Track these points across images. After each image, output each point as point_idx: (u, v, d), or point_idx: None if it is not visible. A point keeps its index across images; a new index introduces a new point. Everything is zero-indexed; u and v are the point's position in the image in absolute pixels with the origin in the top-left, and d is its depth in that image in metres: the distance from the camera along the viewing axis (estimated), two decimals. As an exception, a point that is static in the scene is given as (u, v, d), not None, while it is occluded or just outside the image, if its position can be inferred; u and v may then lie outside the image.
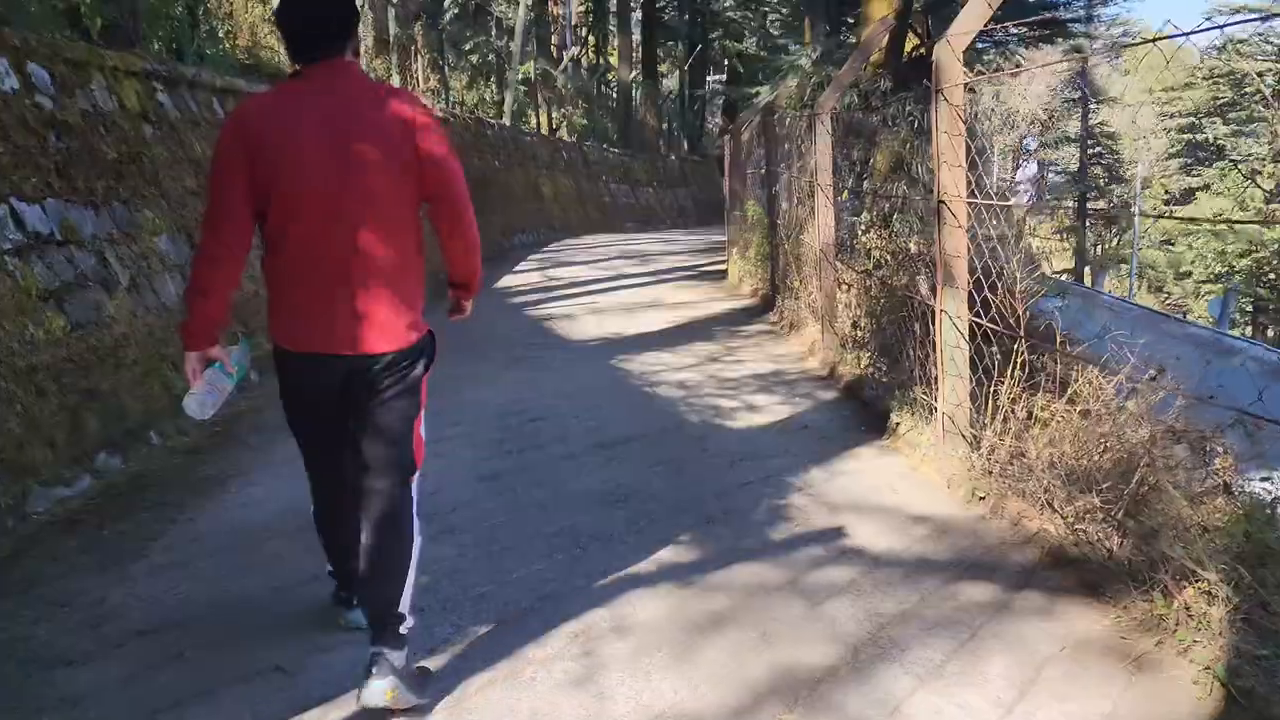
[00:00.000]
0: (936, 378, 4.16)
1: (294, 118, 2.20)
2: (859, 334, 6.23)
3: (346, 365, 2.29)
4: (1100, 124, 41.49)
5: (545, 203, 20.17)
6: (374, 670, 2.25)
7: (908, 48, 9.12)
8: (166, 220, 5.69)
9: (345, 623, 2.74)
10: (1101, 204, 41.70)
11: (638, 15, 31.29)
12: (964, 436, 3.90)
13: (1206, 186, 41.73)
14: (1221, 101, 37.15)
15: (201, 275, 2.28)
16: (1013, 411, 3.72)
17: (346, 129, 2.20)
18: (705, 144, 41.71)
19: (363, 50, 12.95)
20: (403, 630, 2.37)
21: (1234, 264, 34.92)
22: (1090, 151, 44.08)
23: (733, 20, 38.76)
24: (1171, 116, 41.59)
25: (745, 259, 10.60)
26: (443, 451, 4.51)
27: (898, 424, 4.66)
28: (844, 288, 6.62)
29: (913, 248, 5.90)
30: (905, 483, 3.98)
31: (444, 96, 16.87)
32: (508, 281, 11.35)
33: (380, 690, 2.24)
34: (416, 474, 2.50)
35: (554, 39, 32.67)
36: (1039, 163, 57.15)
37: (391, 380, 2.32)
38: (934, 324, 4.16)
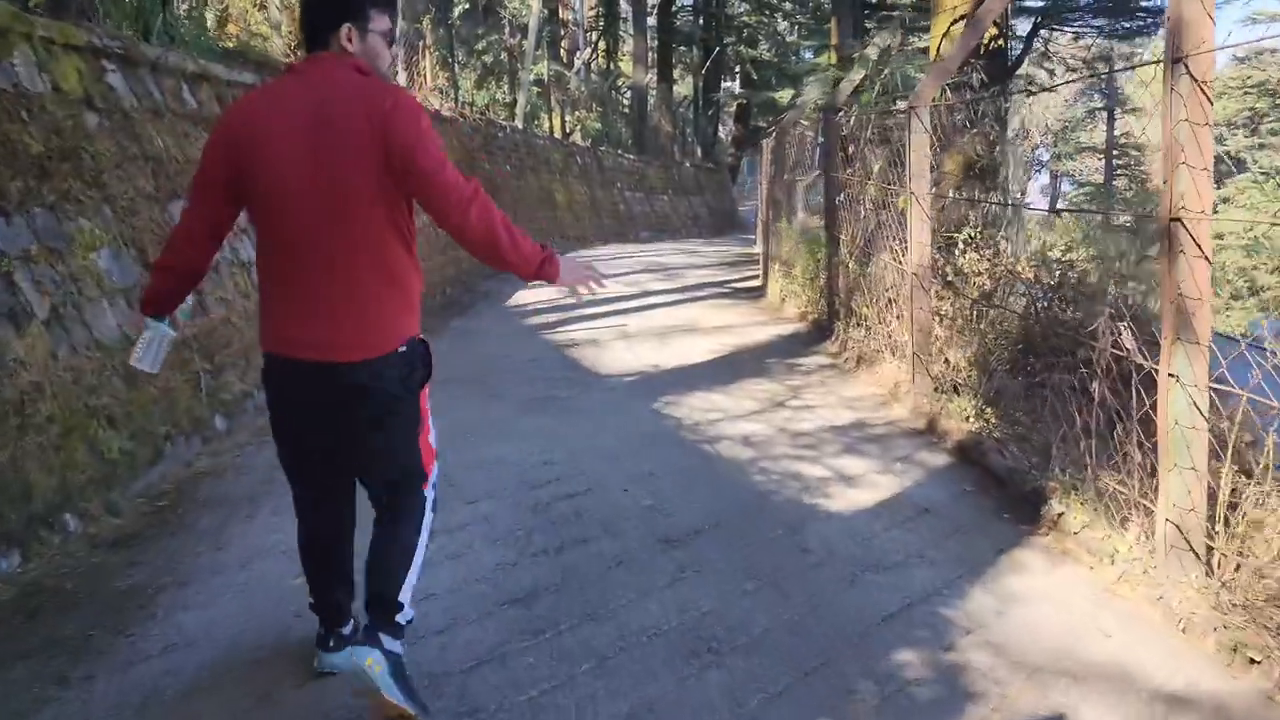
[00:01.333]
0: (1141, 462, 3.00)
1: (270, 113, 2.17)
2: (967, 377, 5.06)
3: (330, 373, 2.18)
4: (1125, 134, 40.42)
5: (558, 211, 19.04)
6: (361, 639, 2.20)
7: (985, 39, 7.99)
8: (110, 231, 4.55)
9: (319, 665, 2.53)
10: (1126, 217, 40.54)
11: (652, 19, 30.21)
12: (1198, 556, 2.74)
13: (1226, 200, 40.69)
14: (1255, 113, 36.01)
15: (164, 252, 2.36)
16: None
17: (319, 124, 2.12)
18: (719, 151, 40.70)
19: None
20: (400, 619, 2.30)
21: (1263, 282, 33.80)
22: (1115, 163, 43.04)
23: (747, 25, 37.89)
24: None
25: (790, 278, 9.45)
26: (457, 550, 3.36)
27: (1060, 514, 3.50)
28: (943, 320, 5.46)
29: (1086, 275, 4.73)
30: (1112, 617, 2.81)
31: (453, 95, 15.78)
32: (521, 298, 10.21)
33: (363, 655, 2.14)
34: (430, 479, 2.42)
35: (564, 43, 31.65)
36: (1052, 173, 56.25)
37: (382, 393, 2.21)
38: (1134, 387, 3.00)
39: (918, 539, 3.50)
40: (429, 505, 2.41)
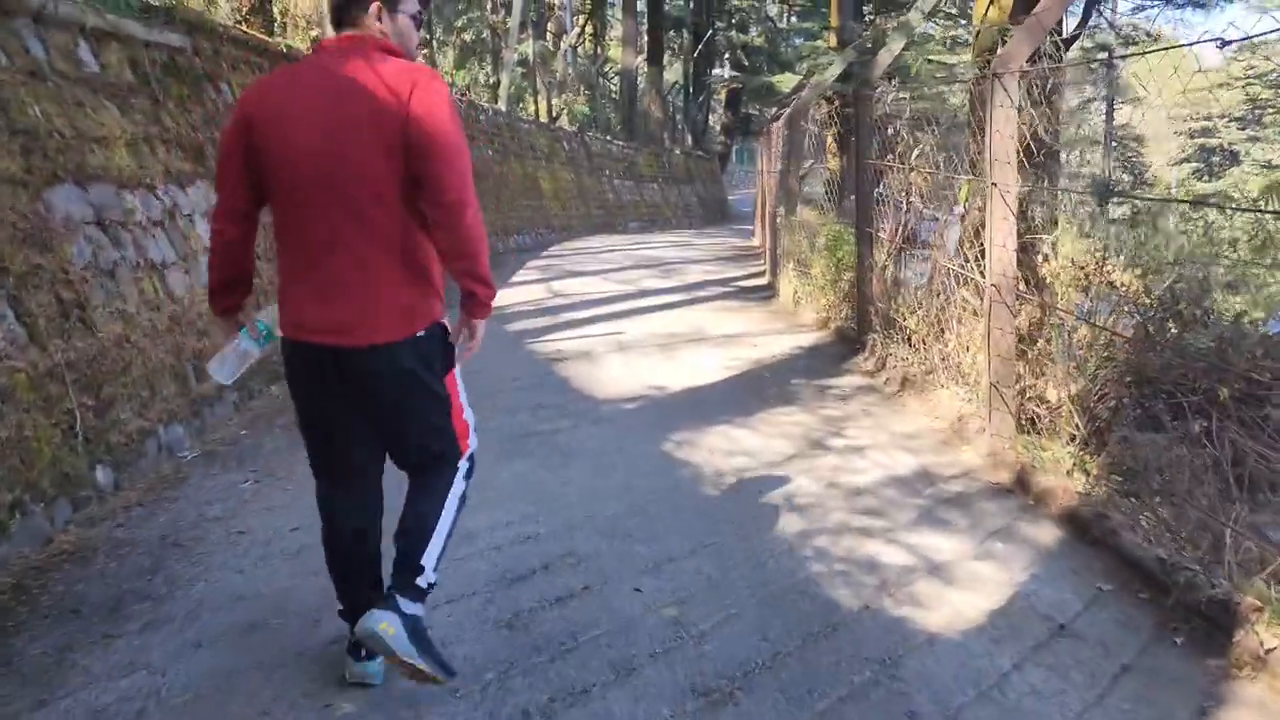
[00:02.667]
0: None
1: (292, 94, 2.14)
2: (1067, 418, 3.99)
3: (347, 357, 2.12)
4: (1124, 125, 39.53)
5: (544, 199, 17.87)
6: (378, 605, 2.18)
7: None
8: (-54, 226, 3.40)
9: (351, 675, 2.39)
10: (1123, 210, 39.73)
11: (641, 4, 28.98)
12: None
13: (1220, 193, 39.91)
14: (1259, 104, 35.17)
15: (212, 249, 2.32)
16: None
17: (341, 105, 2.07)
18: (709, 139, 39.53)
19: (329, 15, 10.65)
20: (420, 583, 2.26)
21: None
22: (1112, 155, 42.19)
23: (739, 10, 36.75)
24: (1184, 120, 39.83)
25: (807, 278, 8.35)
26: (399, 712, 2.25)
27: (1270, 650, 2.43)
28: (1030, 342, 4.38)
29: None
30: None
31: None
32: (504, 297, 9.07)
33: (377, 620, 2.14)
34: (465, 454, 2.39)
35: (550, 26, 30.41)
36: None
37: (401, 377, 2.16)
38: None
39: (1066, 683, 2.42)
40: (462, 475, 2.40)
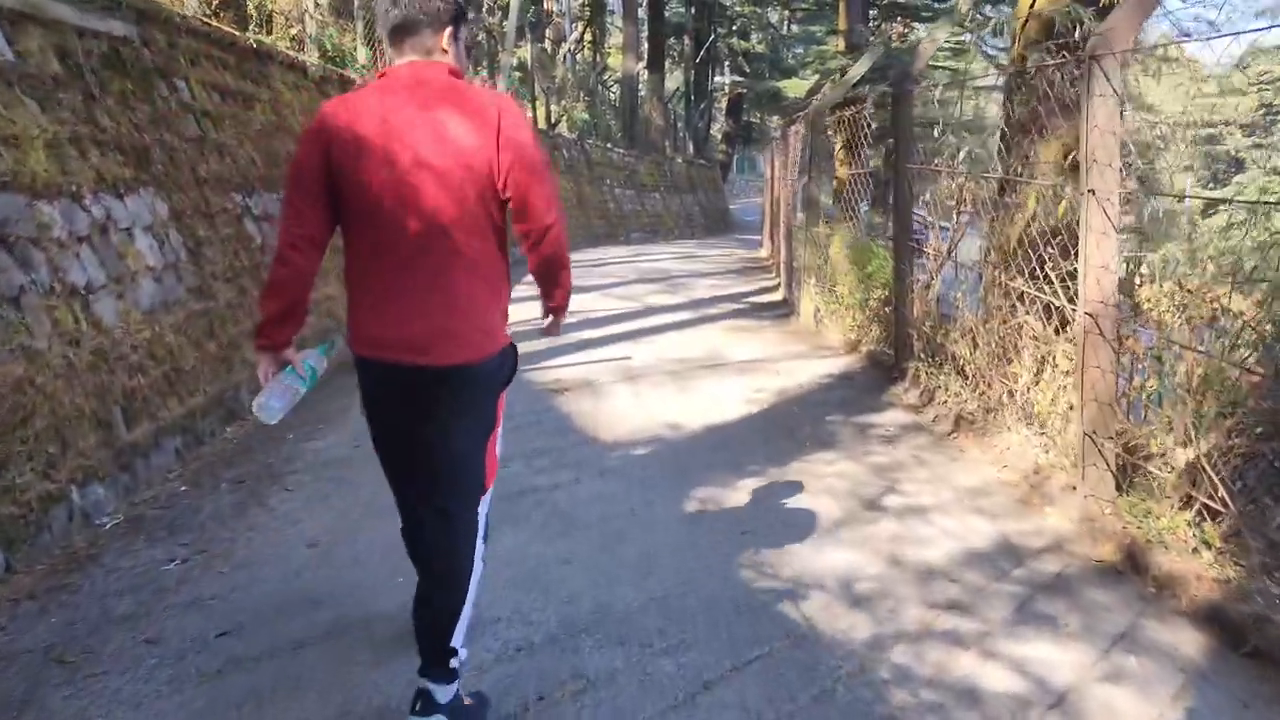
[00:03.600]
0: None
1: (374, 117, 2.09)
2: (1189, 475, 3.22)
3: (417, 375, 2.12)
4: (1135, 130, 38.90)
5: (542, 209, 17.09)
6: (419, 707, 2.17)
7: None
8: None
9: None
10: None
11: (642, 10, 28.31)
12: None
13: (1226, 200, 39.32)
14: (1274, 110, 34.54)
15: (271, 275, 2.19)
16: None
17: (427, 128, 2.07)
18: (710, 148, 38.87)
19: (313, 13, 9.93)
20: (454, 664, 2.22)
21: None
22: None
23: (740, 15, 36.13)
24: (1187, 126, 39.27)
25: (830, 296, 7.58)
26: None
27: None
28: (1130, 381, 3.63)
29: None
30: None
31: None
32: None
33: None
34: (487, 494, 2.39)
35: (549, 32, 29.72)
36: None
37: (465, 395, 2.18)
38: None
39: None
40: (482, 531, 2.36)
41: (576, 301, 8.75)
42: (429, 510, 2.23)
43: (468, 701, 2.26)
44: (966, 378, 4.92)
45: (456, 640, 2.21)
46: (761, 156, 63.35)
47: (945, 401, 5.01)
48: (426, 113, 2.08)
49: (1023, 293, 4.53)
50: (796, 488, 3.96)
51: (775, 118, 46.08)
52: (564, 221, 2.23)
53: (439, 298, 2.11)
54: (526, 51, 20.04)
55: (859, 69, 7.41)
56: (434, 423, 2.17)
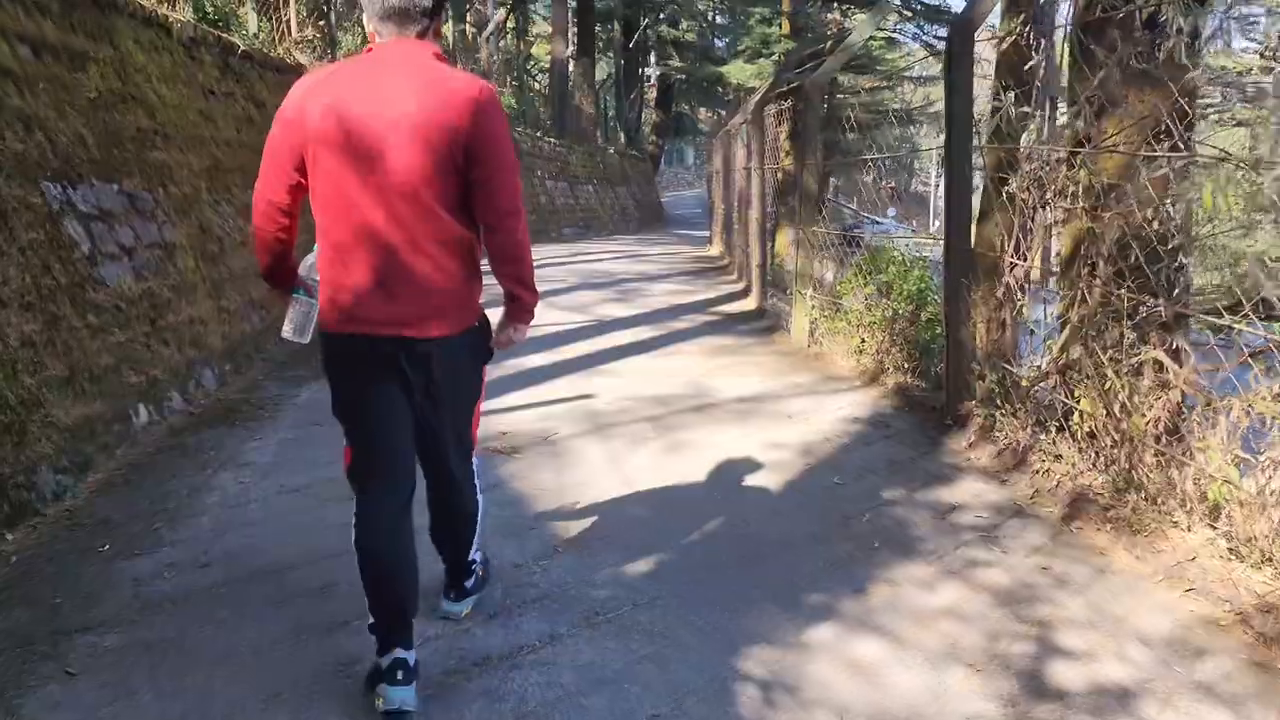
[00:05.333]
0: None
1: (350, 93, 2.08)
2: None
3: (408, 347, 2.16)
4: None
5: (468, 203, 15.42)
6: (453, 595, 2.64)
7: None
8: None
9: (385, 703, 2.19)
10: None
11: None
12: None
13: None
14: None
15: (255, 238, 2.29)
16: None
17: (407, 105, 2.06)
18: (641, 139, 37.41)
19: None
20: (469, 584, 2.66)
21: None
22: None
23: (670, 2, 34.87)
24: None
25: (843, 317, 6.16)
26: None
27: None
28: None
29: None
30: None
31: (329, 52, 12.06)
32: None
33: (460, 610, 2.63)
34: (474, 447, 2.49)
35: (470, 17, 27.83)
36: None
37: (445, 366, 2.21)
38: None
39: None
40: (476, 478, 2.52)
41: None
42: (430, 478, 2.43)
43: (478, 573, 2.72)
44: (1076, 440, 3.56)
45: (473, 554, 2.63)
46: (691, 149, 62.53)
47: (1045, 469, 3.65)
48: (404, 89, 2.08)
49: (1162, 317, 3.21)
50: (897, 642, 2.53)
51: (704, 110, 44.91)
52: (525, 218, 2.24)
53: (422, 273, 2.13)
54: (447, 29, 18.28)
55: (863, 32, 6.03)
56: (412, 389, 2.21)
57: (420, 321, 2.14)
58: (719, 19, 37.74)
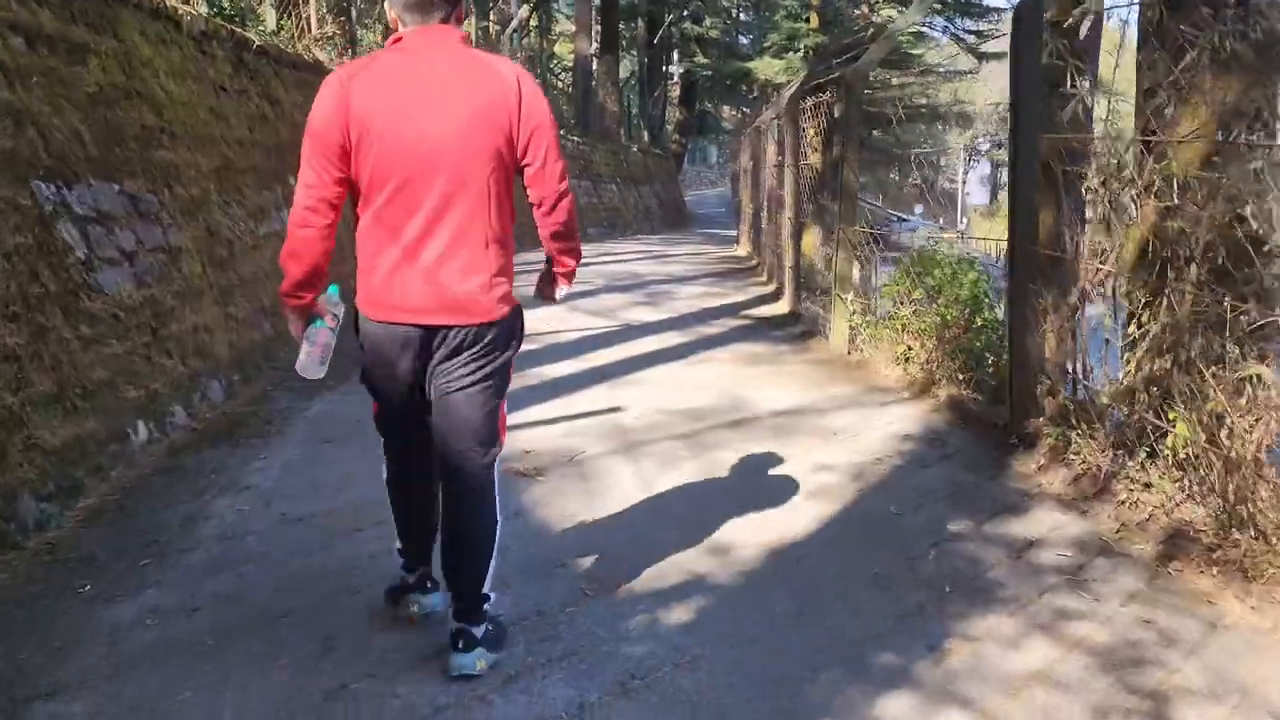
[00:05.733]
0: None
1: (395, 80, 2.12)
2: None
3: (430, 335, 2.20)
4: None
5: (491, 203, 15.11)
6: (461, 645, 2.30)
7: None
8: None
9: (419, 608, 2.56)
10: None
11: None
12: None
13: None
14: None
15: (290, 239, 2.20)
16: None
17: (451, 92, 2.10)
18: (664, 137, 37.02)
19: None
20: (486, 608, 2.37)
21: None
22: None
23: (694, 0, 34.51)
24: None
25: (888, 323, 5.76)
26: None
27: None
28: None
29: None
30: None
31: (350, 50, 11.78)
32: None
33: (472, 662, 2.29)
34: (499, 449, 2.41)
35: (493, 15, 27.56)
36: (993, 163, 54.10)
37: (478, 354, 2.24)
38: None
39: None
40: (496, 485, 2.41)
41: (540, 318, 6.65)
42: (450, 472, 2.33)
43: (492, 629, 2.39)
44: (1179, 467, 3.16)
45: (488, 587, 2.36)
46: (714, 147, 62.02)
47: (1132, 499, 3.25)
48: (448, 77, 2.11)
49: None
50: (986, 718, 2.15)
51: (727, 107, 44.40)
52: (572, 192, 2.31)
53: (465, 260, 2.16)
54: (470, 24, 18.00)
55: (909, 18, 5.64)
56: (449, 384, 2.24)
57: (459, 309, 2.17)
58: (743, 15, 37.36)
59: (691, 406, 4.95)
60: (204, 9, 7.36)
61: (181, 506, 3.54)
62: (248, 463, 4.09)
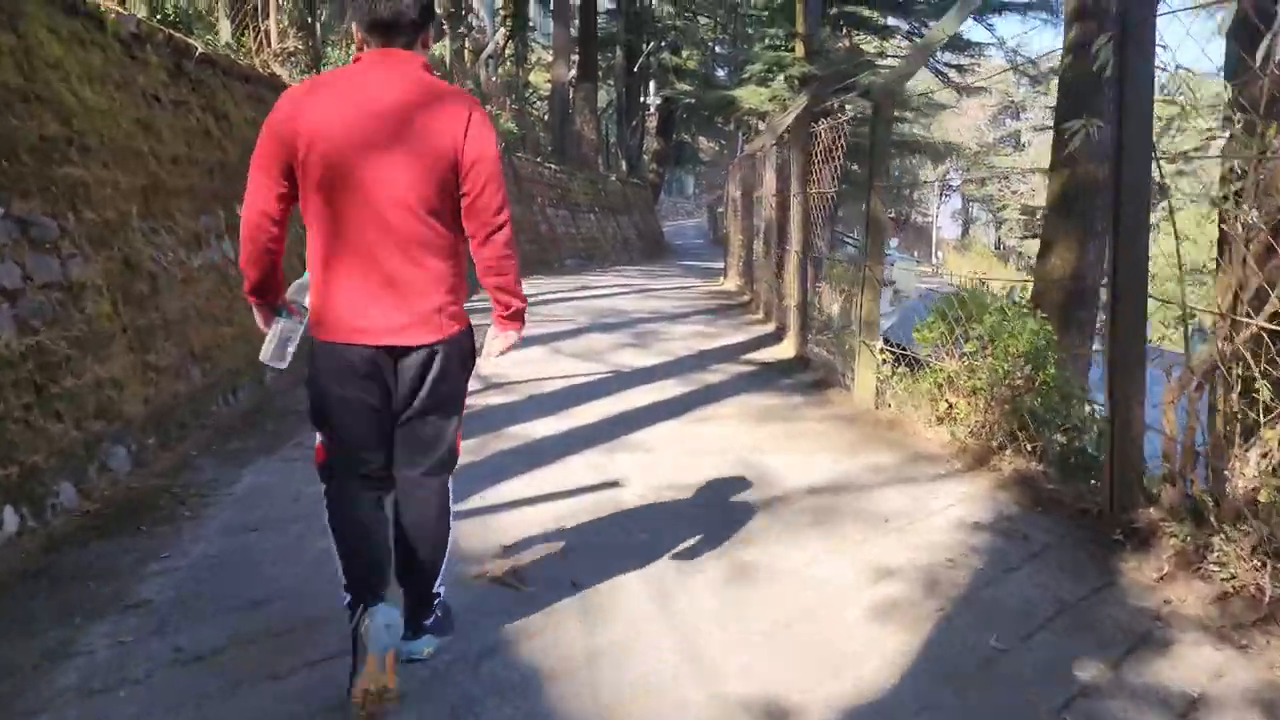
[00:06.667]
0: None
1: (343, 101, 2.11)
2: None
3: (398, 355, 2.21)
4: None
5: (464, 232, 14.27)
6: (411, 632, 2.40)
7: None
8: None
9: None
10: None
11: (577, 1, 25.76)
12: None
13: (1155, 226, 38.55)
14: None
15: (243, 249, 2.23)
16: None
17: (400, 115, 2.11)
18: (642, 166, 36.42)
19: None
20: (438, 609, 2.48)
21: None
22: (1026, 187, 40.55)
23: (672, 28, 34.15)
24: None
25: (969, 392, 4.91)
26: None
27: None
28: None
29: None
30: None
31: (311, 67, 10.92)
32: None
33: (420, 648, 2.43)
34: (456, 461, 2.46)
35: (467, 43, 26.87)
36: (964, 198, 54.17)
37: (435, 374, 2.24)
38: None
39: None
40: (451, 499, 2.46)
41: (517, 362, 5.77)
42: (407, 490, 2.36)
43: (440, 614, 2.49)
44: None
45: (439, 587, 2.46)
46: (691, 178, 61.62)
47: (1319, 637, 2.42)
48: (399, 101, 2.11)
49: None
50: None
51: (704, 139, 43.91)
52: (511, 226, 2.25)
53: (411, 281, 2.15)
54: (445, 46, 17.24)
55: (947, 29, 4.90)
56: (403, 405, 2.26)
57: (410, 329, 2.18)
58: (719, 49, 36.99)
59: (703, 479, 4.10)
60: (143, 11, 6.50)
61: (40, 638, 2.62)
62: (145, 563, 3.17)
